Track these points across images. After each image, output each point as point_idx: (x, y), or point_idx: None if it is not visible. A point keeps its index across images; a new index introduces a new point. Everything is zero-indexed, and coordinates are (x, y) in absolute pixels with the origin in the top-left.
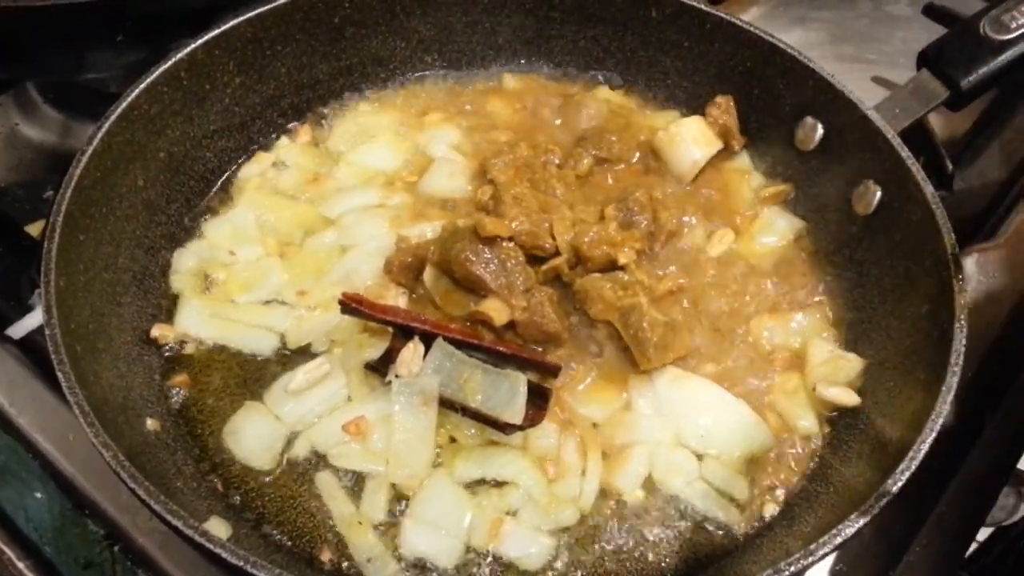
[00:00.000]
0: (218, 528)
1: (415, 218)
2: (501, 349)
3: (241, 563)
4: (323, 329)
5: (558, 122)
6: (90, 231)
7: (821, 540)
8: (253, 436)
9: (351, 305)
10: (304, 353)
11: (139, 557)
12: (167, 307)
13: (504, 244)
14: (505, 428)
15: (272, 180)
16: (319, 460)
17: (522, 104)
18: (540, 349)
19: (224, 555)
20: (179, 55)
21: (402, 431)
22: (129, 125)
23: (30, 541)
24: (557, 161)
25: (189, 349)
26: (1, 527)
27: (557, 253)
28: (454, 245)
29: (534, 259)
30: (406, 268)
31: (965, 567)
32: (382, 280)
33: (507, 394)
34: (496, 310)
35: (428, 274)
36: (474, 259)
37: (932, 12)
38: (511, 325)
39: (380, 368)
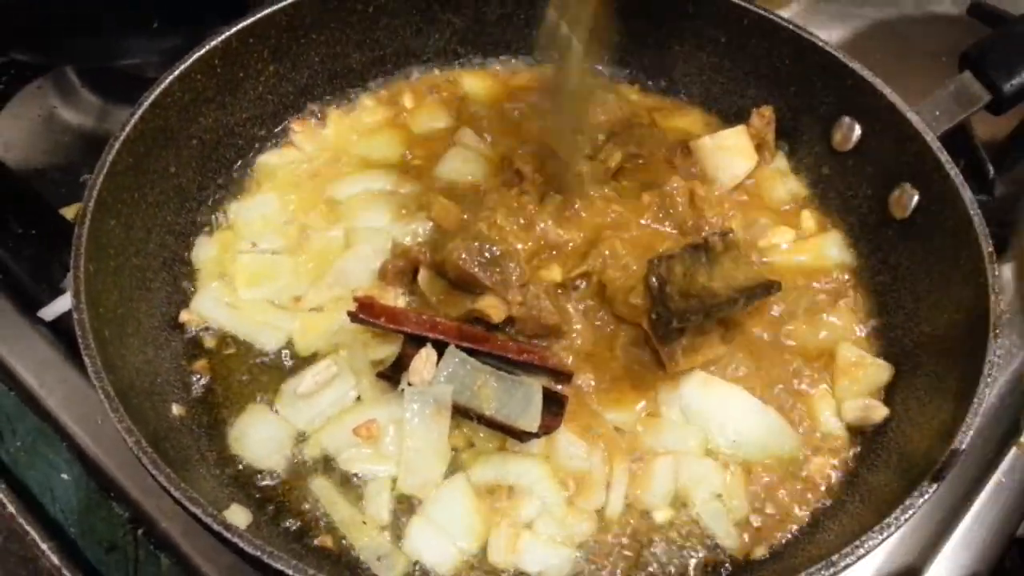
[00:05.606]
0: (238, 516)
1: (422, 208)
2: (511, 356)
3: (258, 553)
4: (326, 333)
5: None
6: (121, 217)
7: (843, 551)
8: (258, 440)
9: (359, 316)
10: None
11: (162, 542)
12: (195, 292)
13: (496, 237)
14: (522, 436)
15: (294, 167)
16: (329, 462)
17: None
18: (544, 344)
19: (241, 544)
20: (213, 42)
21: (414, 440)
22: (162, 112)
23: (55, 523)
24: (588, 152)
25: (211, 335)
26: (27, 508)
27: None
28: (445, 245)
29: None
30: (400, 273)
31: (1017, 542)
32: (379, 283)
33: (522, 401)
34: (493, 307)
35: (423, 276)
36: (467, 258)
37: (977, 11)
38: (510, 321)
39: (392, 376)
